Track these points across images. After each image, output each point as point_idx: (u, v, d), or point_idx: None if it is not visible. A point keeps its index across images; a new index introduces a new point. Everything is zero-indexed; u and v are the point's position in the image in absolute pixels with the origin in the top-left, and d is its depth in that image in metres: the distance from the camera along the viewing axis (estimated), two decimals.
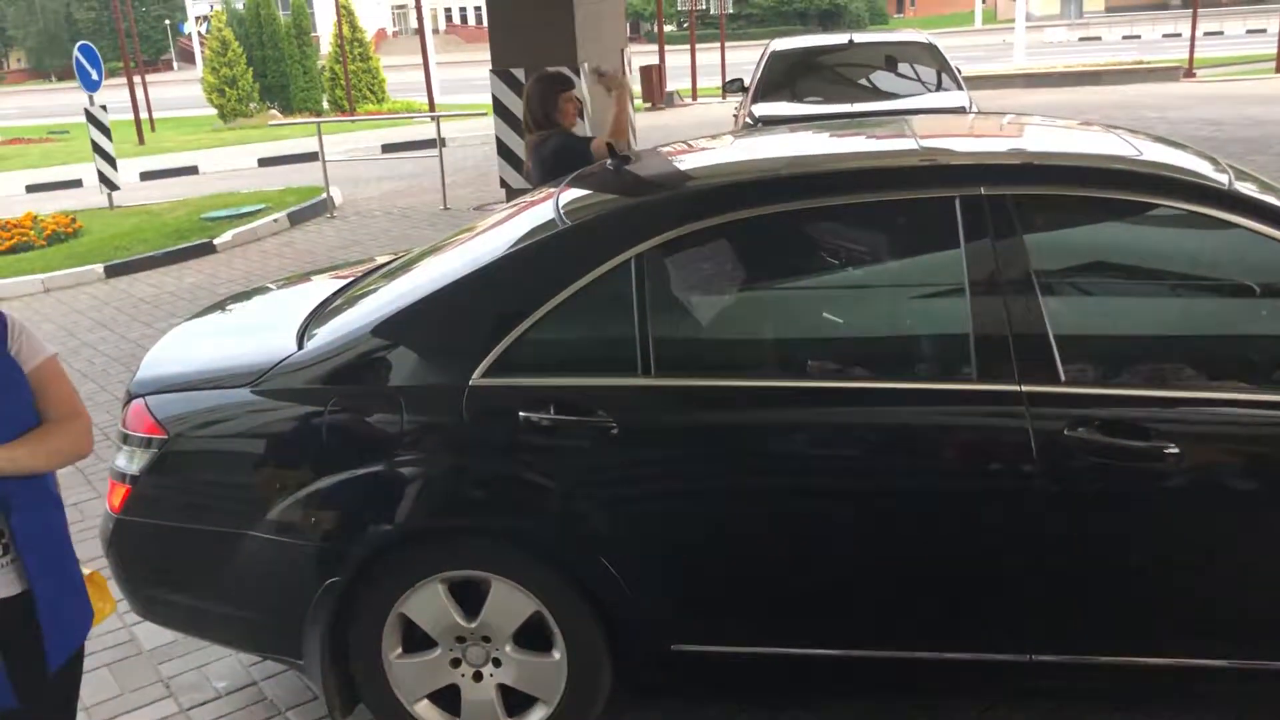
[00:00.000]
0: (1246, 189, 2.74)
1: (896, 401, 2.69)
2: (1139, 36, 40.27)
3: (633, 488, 2.76)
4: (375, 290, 3.23)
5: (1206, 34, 26.55)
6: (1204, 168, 2.90)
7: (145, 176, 17.82)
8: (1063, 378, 2.58)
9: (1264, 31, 30.45)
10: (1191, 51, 23.68)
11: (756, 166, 3.36)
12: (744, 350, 2.98)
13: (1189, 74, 22.95)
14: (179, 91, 43.00)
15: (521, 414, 2.71)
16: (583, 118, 10.09)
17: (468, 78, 30.27)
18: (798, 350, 2.92)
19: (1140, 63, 25.87)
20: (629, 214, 2.96)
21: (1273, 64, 23.29)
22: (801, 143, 3.66)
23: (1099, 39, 41.42)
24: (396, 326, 2.90)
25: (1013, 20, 52.49)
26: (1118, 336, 2.81)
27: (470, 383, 2.75)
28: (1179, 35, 31.77)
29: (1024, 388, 2.57)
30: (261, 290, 4.11)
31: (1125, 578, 2.64)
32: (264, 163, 18.41)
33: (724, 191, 2.98)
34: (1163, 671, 2.69)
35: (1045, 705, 3.04)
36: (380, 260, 3.95)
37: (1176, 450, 2.51)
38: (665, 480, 2.76)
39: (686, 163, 3.51)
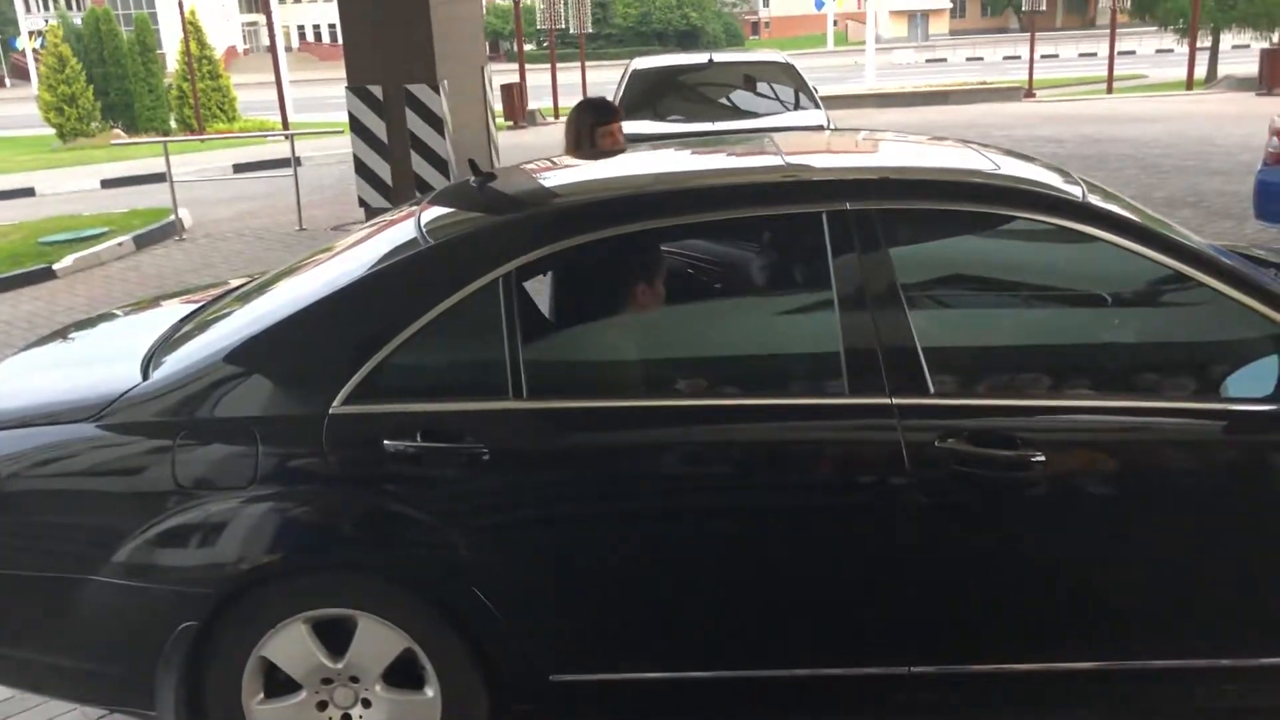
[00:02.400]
0: (1099, 201, 2.83)
1: (769, 418, 2.69)
2: (981, 58, 42.02)
3: (506, 515, 2.68)
4: (227, 315, 3.08)
5: (1043, 56, 27.89)
6: (1059, 181, 2.99)
7: None
8: (931, 390, 2.61)
9: (1095, 55, 32.14)
10: (1031, 73, 24.83)
11: (625, 184, 3.32)
12: (615, 370, 2.94)
13: (1029, 94, 24.04)
14: (12, 110, 40.93)
15: (386, 442, 2.61)
16: (443, 134, 9.99)
17: (323, 95, 29.65)
18: (669, 369, 2.89)
19: (984, 83, 27.00)
20: (497, 232, 2.89)
21: (1104, 86, 24.61)
22: (668, 160, 3.64)
23: (944, 60, 43.09)
24: (250, 353, 2.76)
25: (863, 42, 54.24)
26: (983, 348, 2.86)
27: (330, 411, 2.63)
28: (1018, 57, 33.29)
29: (895, 400, 2.59)
30: (107, 317, 3.88)
31: (998, 586, 2.68)
32: (107, 184, 17.61)
33: (593, 208, 2.93)
34: (1037, 677, 2.74)
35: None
36: (233, 283, 3.78)
37: (1043, 458, 2.56)
38: (539, 506, 2.69)
39: (553, 180, 3.45)
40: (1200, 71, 24.71)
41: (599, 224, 2.79)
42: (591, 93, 14.77)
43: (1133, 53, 32.18)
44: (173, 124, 30.28)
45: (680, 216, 2.85)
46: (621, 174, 3.53)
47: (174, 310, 3.53)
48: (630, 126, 8.99)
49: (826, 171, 3.15)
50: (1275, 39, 23.55)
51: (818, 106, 9.42)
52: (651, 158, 3.71)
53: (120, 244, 11.15)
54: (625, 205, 2.92)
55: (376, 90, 10.03)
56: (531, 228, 2.85)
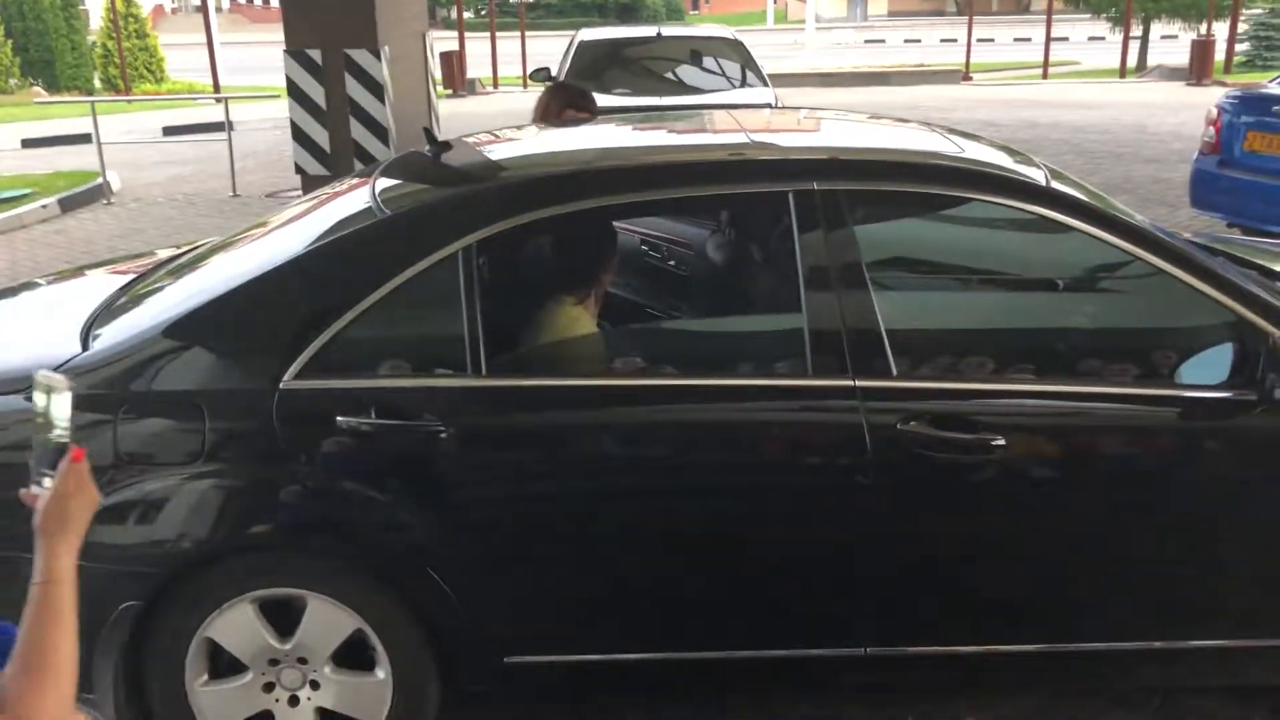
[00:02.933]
0: (1061, 186, 2.84)
1: (733, 398, 2.67)
2: (919, 40, 42.32)
3: (463, 495, 2.62)
4: (174, 283, 2.97)
5: (979, 40, 28.13)
6: (1012, 162, 2.99)
7: None
8: (894, 372, 2.60)
9: (1030, 40, 32.58)
10: (968, 56, 25.05)
11: (571, 159, 3.24)
12: (573, 348, 2.90)
13: (966, 77, 24.28)
14: None
15: (339, 418, 2.53)
16: (383, 101, 9.81)
17: (255, 59, 28.91)
18: (633, 347, 2.85)
19: (923, 65, 27.20)
20: (458, 203, 2.82)
21: (1039, 71, 24.93)
22: (623, 134, 3.58)
23: (883, 41, 43.32)
24: (200, 324, 2.66)
25: (803, 21, 54.36)
26: (946, 330, 2.87)
27: (281, 385, 2.55)
28: (955, 40, 33.60)
29: (858, 382, 2.58)
30: (29, 286, 3.72)
31: (958, 568, 2.70)
32: (29, 144, 17.00)
33: (562, 181, 2.87)
34: (992, 659, 2.77)
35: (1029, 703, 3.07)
36: (168, 253, 3.65)
37: (1002, 442, 2.57)
38: (498, 486, 2.64)
39: (511, 151, 3.38)
40: (1132, 60, 25.16)
41: (567, 197, 2.73)
42: (533, 62, 14.58)
43: (1066, 39, 32.66)
44: (97, 83, 29.33)
45: (645, 193, 2.80)
46: (579, 147, 3.46)
47: (104, 280, 3.39)
48: None
49: (794, 150, 3.13)
50: (1203, 30, 24.05)
51: (765, 84, 9.40)
52: (602, 132, 3.65)
53: (44, 206, 10.77)
54: (594, 178, 2.86)
55: (315, 55, 9.79)
56: (494, 200, 2.78)
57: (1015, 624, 2.77)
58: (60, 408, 1.61)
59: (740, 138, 3.22)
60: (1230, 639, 2.77)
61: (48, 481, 1.59)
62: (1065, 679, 2.89)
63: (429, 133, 3.19)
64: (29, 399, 1.61)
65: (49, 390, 1.61)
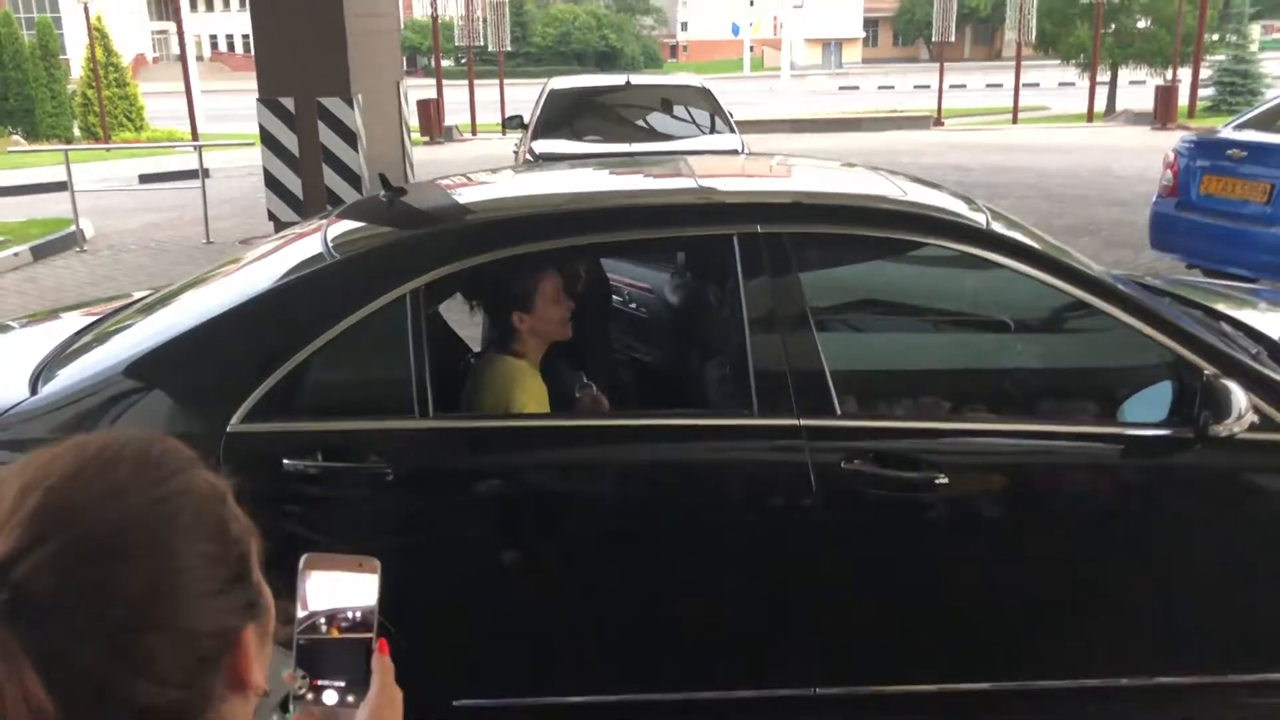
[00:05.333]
0: (1001, 228, 2.88)
1: (680, 438, 2.69)
2: (893, 86, 42.92)
3: (410, 537, 2.63)
4: (127, 328, 2.98)
5: (952, 86, 28.58)
6: (963, 208, 3.04)
7: None
8: (838, 411, 2.62)
9: (1001, 86, 33.10)
10: (940, 102, 25.41)
11: (539, 201, 3.30)
12: (520, 389, 2.92)
13: (938, 123, 24.61)
14: None
15: (286, 461, 2.54)
16: (356, 148, 9.87)
17: (234, 106, 29.06)
18: (578, 388, 2.86)
19: (895, 111, 27.57)
20: (404, 247, 2.85)
21: (1009, 116, 25.30)
22: (582, 179, 3.64)
23: (857, 88, 43.90)
24: (148, 367, 2.67)
25: (779, 69, 55.03)
26: (889, 371, 2.91)
27: (229, 428, 2.55)
28: (928, 86, 34.09)
29: (803, 421, 2.60)
30: (1, 329, 3.72)
31: (903, 606, 2.70)
32: (4, 192, 16.99)
33: (505, 225, 2.91)
34: (940, 698, 2.77)
35: None
36: (135, 296, 3.66)
37: (945, 480, 2.59)
38: (445, 528, 2.64)
39: (466, 196, 3.42)
40: (1100, 105, 25.58)
41: (511, 240, 2.76)
42: (510, 110, 14.70)
43: (1037, 84, 33.17)
44: (76, 131, 29.36)
45: (591, 235, 2.84)
46: (535, 192, 3.51)
47: (73, 323, 3.40)
48: (547, 145, 9.00)
49: (738, 195, 3.17)
50: (1169, 76, 24.50)
51: (733, 130, 9.52)
52: (566, 176, 3.70)
53: (16, 254, 10.74)
54: (537, 223, 2.90)
55: (288, 102, 9.87)
56: (441, 243, 2.81)
57: (963, 662, 2.77)
58: (354, 591, 1.10)
59: (689, 182, 3.27)
60: (1176, 676, 2.78)
61: (331, 694, 1.05)
62: (1014, 717, 2.89)
63: (384, 178, 3.22)
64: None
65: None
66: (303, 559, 1.09)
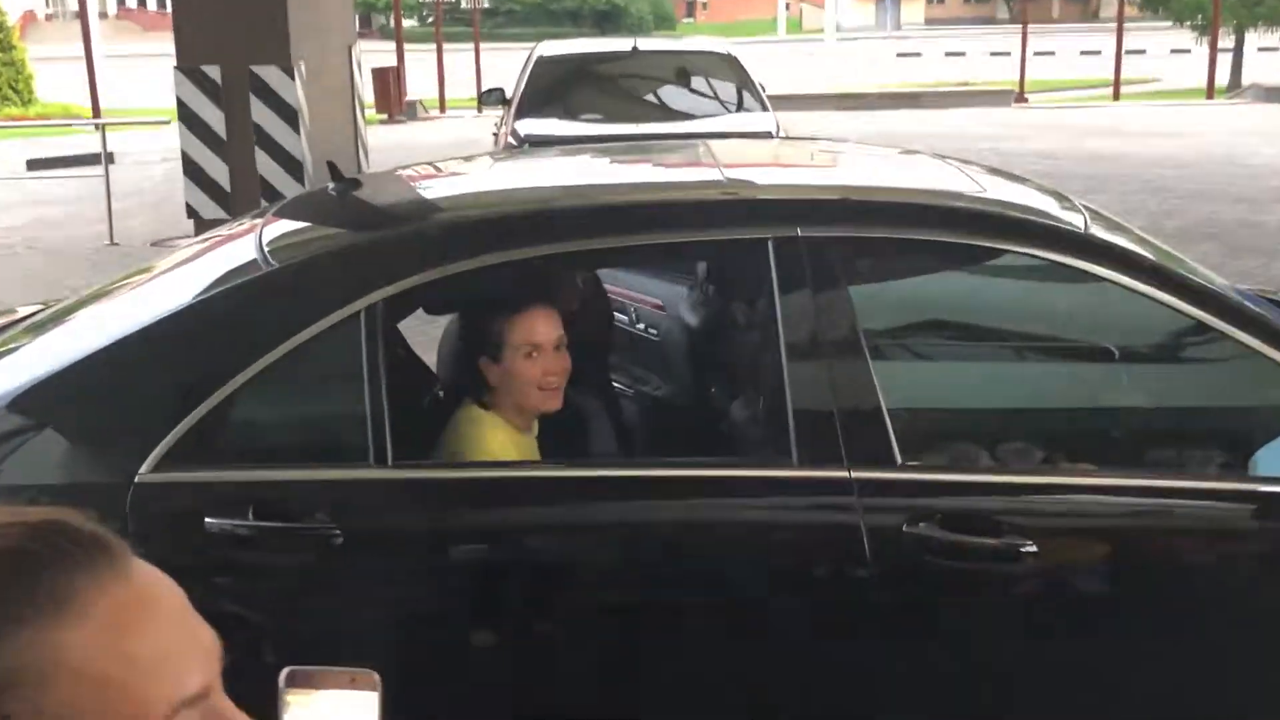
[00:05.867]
0: (1103, 232, 2.89)
1: (699, 494, 2.70)
2: (963, 53, 43.05)
3: (363, 615, 2.62)
4: (10, 351, 2.98)
5: (1037, 54, 28.63)
6: (1054, 206, 3.05)
7: None
8: (899, 461, 2.62)
9: (1099, 54, 33.20)
10: (1022, 73, 25.46)
11: (526, 198, 3.33)
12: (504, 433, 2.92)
13: (1020, 98, 24.66)
14: None
15: (209, 520, 2.54)
16: (297, 129, 9.92)
17: (146, 76, 29.22)
18: (577, 431, 2.87)
19: (966, 84, 27.68)
20: (359, 253, 2.87)
21: (1109, 90, 25.35)
22: (579, 169, 3.67)
23: (919, 55, 44.05)
24: (36, 401, 2.67)
25: (821, 30, 55.23)
26: (962, 410, 2.90)
27: (137, 478, 2.54)
28: (1007, 54, 34.17)
29: (854, 474, 2.59)
30: None
31: (979, 704, 2.69)
32: None
33: (486, 227, 2.93)
34: None
35: None
36: (21, 312, 3.67)
37: (1034, 548, 2.58)
38: (409, 605, 2.64)
39: (436, 190, 3.44)
40: (1222, 77, 25.61)
41: (492, 246, 2.77)
42: (489, 82, 14.75)
43: (1143, 52, 33.23)
44: None
45: (592, 240, 2.86)
46: (523, 185, 3.53)
47: None
48: (534, 126, 9.03)
49: (773, 189, 3.19)
50: None
51: (765, 108, 9.55)
52: (558, 166, 3.72)
53: None
54: (526, 224, 2.92)
55: (213, 72, 9.92)
56: (405, 249, 2.83)
57: None
58: (349, 714, 1.07)
59: (712, 173, 3.29)
60: None
61: None
62: None
63: (333, 166, 3.24)
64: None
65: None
66: (283, 675, 1.07)
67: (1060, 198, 3.17)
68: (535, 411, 2.88)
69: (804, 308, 2.67)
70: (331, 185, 3.22)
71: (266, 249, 2.89)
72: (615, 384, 3.72)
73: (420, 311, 3.28)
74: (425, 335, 3.63)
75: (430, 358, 3.52)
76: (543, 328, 2.81)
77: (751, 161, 3.68)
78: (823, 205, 2.92)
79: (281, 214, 3.27)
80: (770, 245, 2.70)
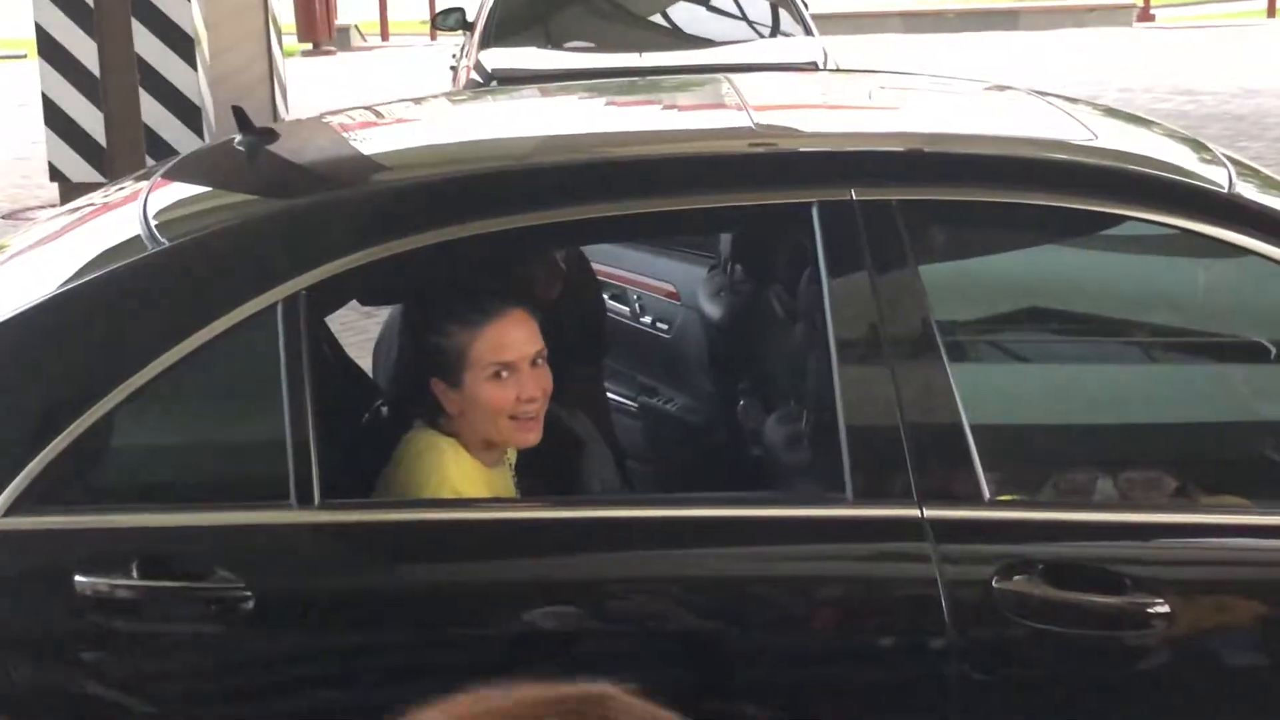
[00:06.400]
0: (1252, 193, 2.89)
1: (726, 538, 2.70)
2: None
3: (278, 700, 2.65)
4: None
5: None
6: (1190, 159, 3.05)
7: None
8: (987, 495, 2.62)
9: None
10: None
11: (495, 152, 3.33)
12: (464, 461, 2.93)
13: (1145, 16, 24.65)
14: None
15: (80, 579, 2.54)
16: (193, 64, 9.93)
17: None
18: (564, 460, 2.88)
19: None
20: (275, 228, 2.88)
21: (1263, 6, 25.33)
22: (563, 114, 3.67)
23: None
24: None
25: None
26: (1070, 427, 2.90)
27: None
28: None
29: (928, 513, 2.59)
30: None
31: None
32: None
33: (443, 191, 2.93)
34: None
35: None
36: None
37: (1166, 608, 2.58)
38: (336, 684, 2.65)
39: (371, 142, 3.45)
40: None
41: (452, 216, 2.78)
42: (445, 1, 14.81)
43: None
44: None
45: (584, 206, 2.86)
46: (490, 136, 3.54)
47: None
48: (505, 57, 9.02)
49: (820, 139, 3.20)
50: None
51: (809, 32, 9.56)
52: (534, 109, 3.73)
53: None
54: (494, 188, 2.91)
55: None
56: (336, 222, 2.83)
57: None
58: None
59: (739, 118, 3.30)
60: None
61: None
62: None
63: (240, 112, 3.24)
64: None
65: None
66: None
67: (1197, 147, 3.17)
68: (506, 446, 2.89)
69: (860, 294, 2.68)
70: (238, 138, 3.23)
71: (153, 223, 2.90)
72: (612, 396, 3.73)
73: (354, 304, 3.28)
74: (363, 333, 3.63)
75: (367, 362, 3.53)
76: (516, 340, 2.80)
77: (791, 102, 3.69)
78: (885, 160, 2.93)
79: (173, 175, 3.28)
80: (815, 212, 2.71)
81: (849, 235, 2.70)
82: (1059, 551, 2.63)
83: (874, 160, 2.92)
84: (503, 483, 2.88)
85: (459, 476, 2.78)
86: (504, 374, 2.77)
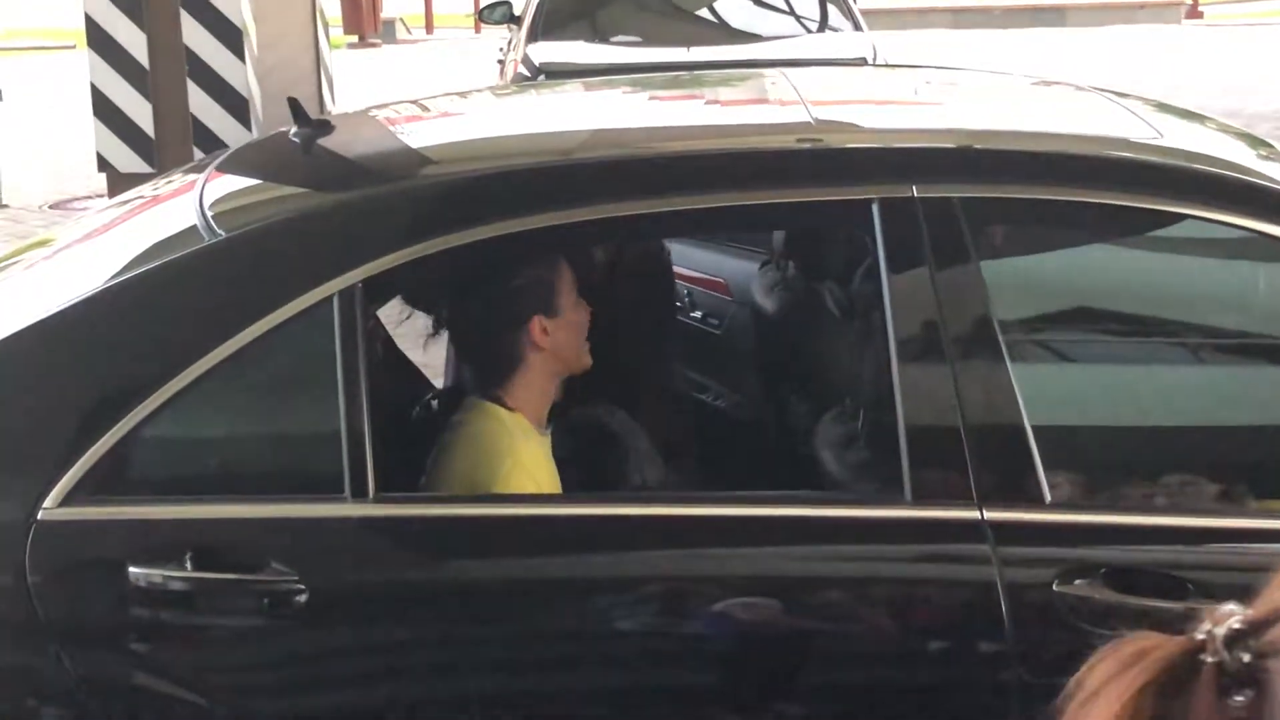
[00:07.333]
0: None
1: (780, 539, 2.70)
2: None
3: (333, 694, 2.65)
4: None
5: None
6: (1250, 157, 3.02)
7: None
8: (1048, 497, 2.60)
9: None
10: None
11: (543, 145, 3.33)
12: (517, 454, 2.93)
13: (1194, 12, 24.58)
14: None
15: (133, 570, 2.55)
16: (242, 55, 9.97)
17: None
18: (618, 457, 2.87)
19: None
20: (332, 221, 2.88)
21: None
22: (611, 108, 3.68)
23: None
24: None
25: None
26: (1133, 429, 2.88)
27: (39, 516, 2.56)
28: None
29: (988, 515, 2.57)
30: None
31: None
32: None
33: (496, 186, 2.92)
34: None
35: None
36: None
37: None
38: (391, 680, 2.64)
39: (422, 135, 3.45)
40: None
41: (505, 211, 2.76)
42: None
43: None
44: None
45: (638, 202, 2.85)
46: (536, 130, 3.54)
47: None
48: (553, 51, 9.04)
49: (876, 135, 3.19)
50: None
51: (858, 27, 9.57)
52: (583, 104, 3.74)
53: None
54: (552, 182, 2.91)
55: None
56: (393, 214, 2.83)
57: None
58: None
59: (796, 113, 3.28)
60: None
61: None
62: None
63: (295, 104, 3.25)
64: None
65: None
66: None
67: (1256, 143, 3.14)
68: (579, 369, 2.99)
69: (921, 292, 2.66)
70: (293, 130, 3.23)
71: (210, 214, 2.90)
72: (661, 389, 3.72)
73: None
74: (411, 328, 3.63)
75: (416, 355, 3.52)
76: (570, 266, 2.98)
77: (846, 98, 3.68)
78: (948, 156, 2.91)
79: (226, 168, 3.28)
80: (876, 209, 2.69)
81: (910, 232, 2.68)
82: (1121, 555, 2.61)
83: (936, 157, 2.91)
84: (544, 452, 2.91)
85: (528, 452, 2.83)
86: (578, 297, 2.92)
